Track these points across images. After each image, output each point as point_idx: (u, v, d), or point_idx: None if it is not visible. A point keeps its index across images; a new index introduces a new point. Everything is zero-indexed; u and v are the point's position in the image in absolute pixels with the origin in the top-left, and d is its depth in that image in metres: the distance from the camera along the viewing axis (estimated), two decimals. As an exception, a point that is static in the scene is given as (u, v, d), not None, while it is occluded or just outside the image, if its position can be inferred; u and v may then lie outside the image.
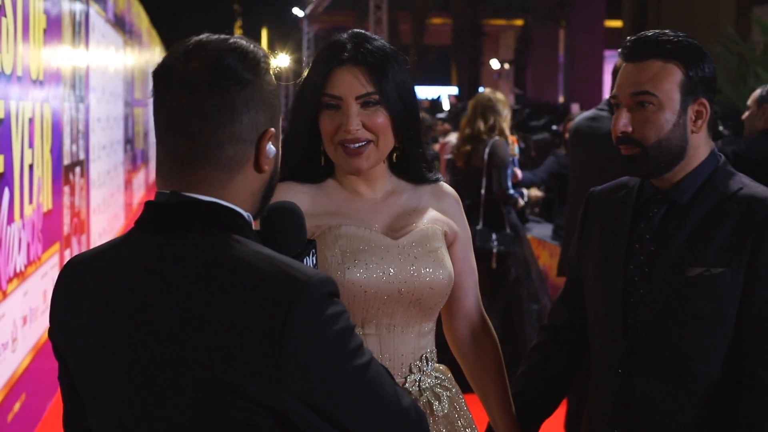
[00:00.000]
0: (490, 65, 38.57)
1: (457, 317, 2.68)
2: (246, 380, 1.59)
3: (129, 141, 12.98)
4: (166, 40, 25.11)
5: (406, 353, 2.48)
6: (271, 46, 55.56)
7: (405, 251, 2.45)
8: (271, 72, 1.76)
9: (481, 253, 6.61)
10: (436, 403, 2.51)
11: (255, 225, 1.79)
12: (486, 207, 6.79)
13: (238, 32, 58.57)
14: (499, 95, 6.94)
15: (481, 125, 6.74)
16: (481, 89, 6.76)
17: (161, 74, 1.71)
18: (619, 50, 2.47)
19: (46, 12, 5.53)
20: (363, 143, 2.41)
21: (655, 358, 2.40)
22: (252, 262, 1.64)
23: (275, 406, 1.60)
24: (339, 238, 2.40)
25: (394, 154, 2.53)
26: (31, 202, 5.07)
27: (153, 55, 18.38)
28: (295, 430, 1.63)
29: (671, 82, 2.38)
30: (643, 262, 2.43)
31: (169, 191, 1.71)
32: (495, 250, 6.62)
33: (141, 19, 15.82)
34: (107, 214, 9.92)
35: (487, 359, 2.69)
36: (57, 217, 6.15)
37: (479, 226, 6.73)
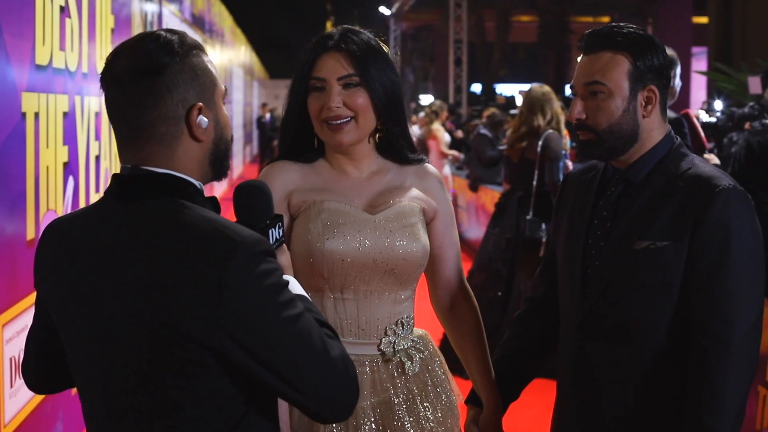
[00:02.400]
0: (577, 62, 38.36)
1: (439, 286, 2.94)
2: (190, 323, 1.86)
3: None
4: (254, 40, 25.49)
5: (382, 317, 2.74)
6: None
7: (381, 225, 2.72)
8: (194, 51, 2.02)
9: (531, 242, 6.80)
10: (408, 362, 2.77)
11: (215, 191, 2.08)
12: (537, 198, 6.97)
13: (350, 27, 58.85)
14: (548, 88, 7.11)
15: (540, 120, 6.92)
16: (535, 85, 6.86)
17: (102, 73, 2.02)
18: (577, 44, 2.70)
19: (114, 12, 5.84)
20: (344, 120, 2.69)
21: (606, 324, 2.61)
22: (197, 223, 1.92)
23: (215, 345, 1.87)
24: (322, 212, 2.68)
25: (377, 135, 2.79)
26: (97, 190, 5.39)
27: (237, 53, 18.80)
28: (232, 366, 1.91)
29: (619, 71, 2.59)
30: (599, 237, 2.65)
31: (131, 165, 2.02)
32: (545, 240, 6.80)
33: (223, 18, 16.24)
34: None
35: (467, 326, 2.94)
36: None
37: (530, 216, 6.91)
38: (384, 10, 39.80)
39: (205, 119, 2.02)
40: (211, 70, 2.06)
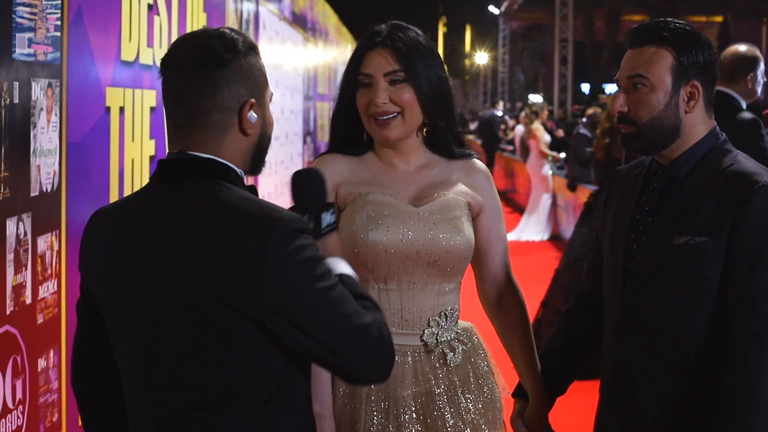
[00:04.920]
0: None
1: (486, 280, 2.98)
2: (234, 295, 2.01)
3: (309, 133, 13.55)
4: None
5: (426, 309, 2.79)
6: (473, 45, 55.75)
7: (425, 218, 2.77)
8: (253, 53, 2.19)
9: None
10: (451, 354, 2.81)
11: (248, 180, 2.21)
12: (624, 198, 6.92)
13: (442, 30, 59.01)
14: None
15: (622, 117, 6.89)
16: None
17: (163, 60, 2.17)
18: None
19: (207, 11, 5.98)
20: (390, 115, 2.75)
21: (644, 319, 2.62)
22: (239, 203, 2.08)
23: (256, 315, 2.02)
24: (367, 204, 2.75)
25: (425, 130, 2.85)
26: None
27: (342, 52, 18.92)
28: (272, 336, 2.04)
29: (663, 65, 2.60)
30: (641, 232, 2.65)
31: (177, 150, 2.15)
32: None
33: (327, 17, 16.39)
34: (279, 201, 10.40)
35: (513, 320, 2.96)
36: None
37: (616, 216, 6.87)
38: (493, 9, 39.69)
39: (255, 115, 2.17)
40: (264, 72, 2.22)
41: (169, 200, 2.13)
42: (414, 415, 2.76)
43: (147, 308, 2.11)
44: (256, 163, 2.24)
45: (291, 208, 2.22)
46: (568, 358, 2.95)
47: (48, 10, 3.12)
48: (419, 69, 2.76)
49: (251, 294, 2.01)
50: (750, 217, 2.48)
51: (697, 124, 2.65)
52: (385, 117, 2.75)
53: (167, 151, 2.20)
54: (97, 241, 2.21)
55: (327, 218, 2.27)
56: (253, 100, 2.16)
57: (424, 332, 2.80)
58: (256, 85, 2.18)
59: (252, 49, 2.19)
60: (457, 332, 2.86)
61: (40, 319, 3.08)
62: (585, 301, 2.96)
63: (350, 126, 2.87)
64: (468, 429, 2.80)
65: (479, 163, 2.95)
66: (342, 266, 2.20)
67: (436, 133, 2.85)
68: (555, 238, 14.48)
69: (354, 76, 2.81)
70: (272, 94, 2.27)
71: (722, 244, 2.51)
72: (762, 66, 5.36)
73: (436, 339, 2.81)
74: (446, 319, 2.82)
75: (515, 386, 3.01)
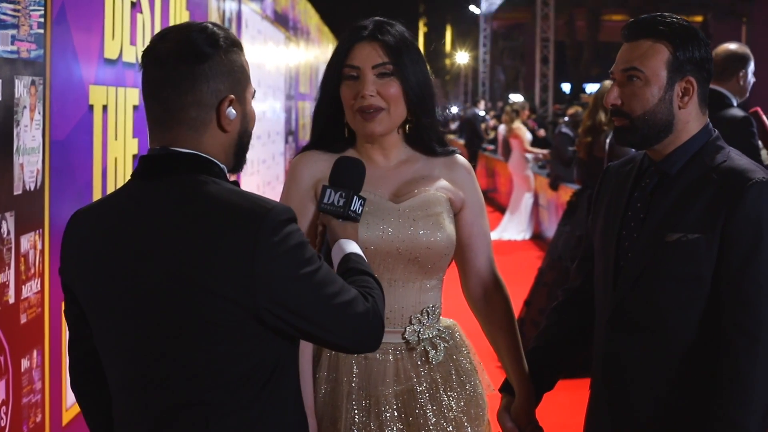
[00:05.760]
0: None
1: (470, 276, 2.96)
2: (227, 286, 2.02)
3: (291, 132, 13.53)
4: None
5: (407, 306, 2.78)
6: (454, 44, 55.79)
7: (404, 214, 2.75)
8: (235, 48, 2.17)
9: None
10: (432, 351, 2.80)
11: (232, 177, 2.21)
12: (607, 196, 6.93)
13: (422, 30, 59.05)
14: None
15: (602, 116, 6.90)
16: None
17: (144, 52, 2.14)
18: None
19: (189, 9, 5.95)
20: (376, 109, 2.73)
21: (636, 316, 2.60)
22: (227, 196, 2.08)
23: (250, 304, 2.03)
24: None
25: (407, 126, 2.83)
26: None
27: (324, 51, 18.90)
28: (264, 325, 2.05)
29: (658, 59, 2.58)
30: (633, 228, 2.64)
31: (158, 146, 2.12)
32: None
33: (309, 16, 16.36)
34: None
35: (499, 315, 2.95)
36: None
37: (600, 215, 6.88)
38: (474, 9, 39.72)
39: (234, 111, 2.15)
40: (246, 69, 2.20)
41: (154, 195, 2.11)
42: (396, 413, 2.75)
43: (136, 305, 2.09)
44: (237, 159, 2.22)
45: (328, 186, 2.40)
46: (557, 353, 2.95)
47: (31, 7, 3.09)
48: (407, 63, 2.75)
49: (245, 284, 2.01)
50: (743, 215, 2.47)
51: (690, 120, 2.63)
52: (371, 111, 2.73)
53: (149, 146, 2.18)
54: (78, 241, 2.18)
55: (356, 204, 2.37)
56: (232, 96, 2.14)
57: (405, 330, 2.79)
58: (236, 81, 2.16)
59: (234, 44, 2.17)
60: (439, 330, 2.85)
61: (23, 319, 3.05)
62: (574, 297, 2.95)
63: (332, 120, 2.84)
64: (450, 426, 2.79)
65: (461, 159, 2.94)
66: (352, 246, 2.33)
67: (419, 129, 2.84)
68: (537, 237, 14.51)
69: (339, 69, 2.78)
70: (255, 90, 2.25)
71: (715, 241, 2.50)
72: (752, 64, 5.39)
73: (418, 336, 2.80)
74: (428, 317, 2.81)
75: (502, 382, 3.00)
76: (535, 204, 14.68)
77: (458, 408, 2.81)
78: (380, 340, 2.19)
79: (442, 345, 2.82)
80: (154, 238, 2.06)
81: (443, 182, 2.86)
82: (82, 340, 2.27)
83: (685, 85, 2.61)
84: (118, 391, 2.18)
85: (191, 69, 2.09)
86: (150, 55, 2.13)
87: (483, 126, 23.45)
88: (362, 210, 2.42)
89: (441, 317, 2.89)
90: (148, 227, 2.08)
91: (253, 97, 2.23)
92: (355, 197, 2.38)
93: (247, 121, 2.21)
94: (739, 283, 2.47)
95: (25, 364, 3.07)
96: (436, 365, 2.81)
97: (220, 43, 2.13)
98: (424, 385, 2.78)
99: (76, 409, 3.60)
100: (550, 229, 13.46)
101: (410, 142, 2.87)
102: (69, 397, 3.51)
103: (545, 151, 14.74)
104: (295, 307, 2.06)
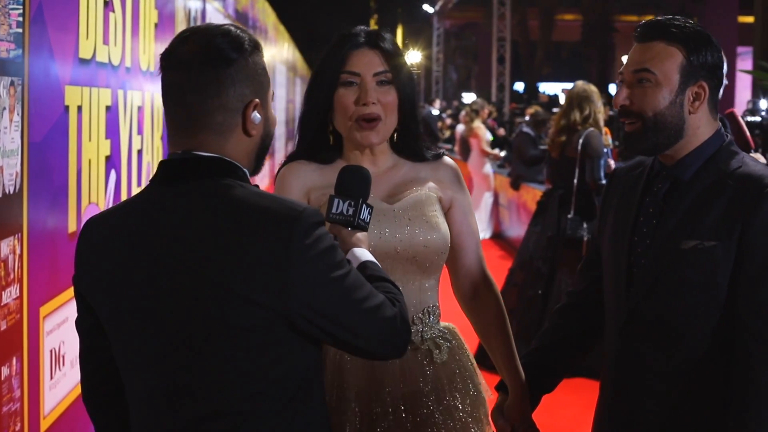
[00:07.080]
0: (622, 62, 38.21)
1: (460, 275, 2.95)
2: (260, 291, 1.97)
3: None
4: (298, 37, 25.53)
5: (408, 306, 2.73)
6: (405, 43, 55.91)
7: (399, 214, 2.75)
8: (258, 51, 2.12)
9: (573, 241, 6.80)
10: (436, 351, 2.79)
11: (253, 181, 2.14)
12: (578, 196, 6.95)
13: (373, 28, 59.17)
14: (593, 87, 7.08)
15: (577, 116, 6.91)
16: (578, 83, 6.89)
17: (165, 56, 2.08)
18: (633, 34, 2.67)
19: (158, 8, 5.88)
20: (376, 118, 2.72)
21: (650, 323, 2.57)
22: (256, 199, 2.04)
23: (283, 309, 1.99)
24: None
25: (394, 134, 2.83)
26: (139, 184, 5.43)
27: (281, 50, 18.85)
28: (295, 330, 2.01)
29: (671, 63, 2.55)
30: (645, 234, 2.60)
31: (181, 151, 2.06)
32: (586, 239, 6.79)
33: (267, 15, 16.29)
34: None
35: (490, 313, 2.94)
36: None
37: (571, 215, 6.90)
38: (427, 8, 39.78)
39: (259, 116, 2.11)
40: (267, 71, 2.16)
41: (177, 200, 2.04)
42: (403, 415, 2.72)
43: (160, 313, 2.02)
44: (258, 163, 2.18)
45: (335, 195, 2.34)
46: (556, 356, 2.93)
47: (10, 6, 3.01)
48: (403, 72, 2.76)
49: (278, 288, 1.97)
50: (760, 222, 2.44)
51: (701, 125, 2.60)
52: (372, 119, 2.72)
53: (169, 152, 2.11)
54: (94, 249, 2.11)
55: (365, 212, 2.34)
56: (257, 100, 2.10)
57: None
58: (260, 84, 2.12)
59: (257, 47, 2.13)
60: (440, 330, 2.85)
61: (2, 326, 2.97)
62: (578, 301, 2.92)
63: (321, 128, 2.82)
64: (457, 426, 2.77)
65: (447, 160, 2.95)
66: (366, 254, 2.28)
67: (407, 137, 2.85)
68: (497, 236, 14.58)
69: (335, 76, 2.74)
70: (274, 92, 2.20)
71: (732, 248, 2.47)
72: (725, 66, 5.39)
73: (421, 336, 2.79)
74: (429, 316, 2.82)
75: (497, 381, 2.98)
76: (495, 203, 14.72)
77: (464, 409, 2.80)
78: (407, 345, 2.16)
79: (445, 345, 2.82)
80: (179, 244, 2.00)
81: (431, 183, 2.87)
82: (96, 351, 2.19)
83: (697, 90, 2.58)
84: (139, 402, 2.11)
85: (217, 73, 2.05)
86: (172, 58, 2.08)
87: (439, 125, 23.49)
88: (370, 218, 2.40)
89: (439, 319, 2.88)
90: (172, 233, 2.02)
91: (273, 99, 2.19)
92: (364, 205, 2.36)
93: (269, 125, 2.18)
94: (755, 291, 2.44)
95: (4, 372, 2.99)
96: (440, 365, 2.80)
97: (245, 46, 2.09)
98: (430, 385, 2.77)
99: (54, 416, 3.53)
100: (510, 229, 13.51)
101: (397, 149, 2.88)
102: (47, 405, 3.44)
103: (501, 153, 14.80)
104: (327, 310, 2.02)
